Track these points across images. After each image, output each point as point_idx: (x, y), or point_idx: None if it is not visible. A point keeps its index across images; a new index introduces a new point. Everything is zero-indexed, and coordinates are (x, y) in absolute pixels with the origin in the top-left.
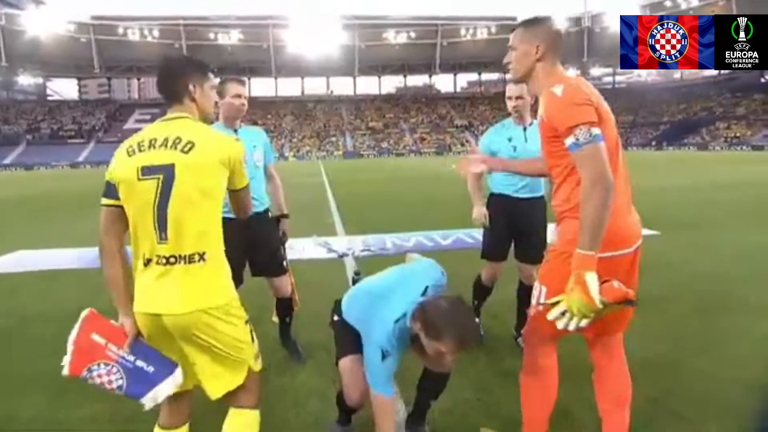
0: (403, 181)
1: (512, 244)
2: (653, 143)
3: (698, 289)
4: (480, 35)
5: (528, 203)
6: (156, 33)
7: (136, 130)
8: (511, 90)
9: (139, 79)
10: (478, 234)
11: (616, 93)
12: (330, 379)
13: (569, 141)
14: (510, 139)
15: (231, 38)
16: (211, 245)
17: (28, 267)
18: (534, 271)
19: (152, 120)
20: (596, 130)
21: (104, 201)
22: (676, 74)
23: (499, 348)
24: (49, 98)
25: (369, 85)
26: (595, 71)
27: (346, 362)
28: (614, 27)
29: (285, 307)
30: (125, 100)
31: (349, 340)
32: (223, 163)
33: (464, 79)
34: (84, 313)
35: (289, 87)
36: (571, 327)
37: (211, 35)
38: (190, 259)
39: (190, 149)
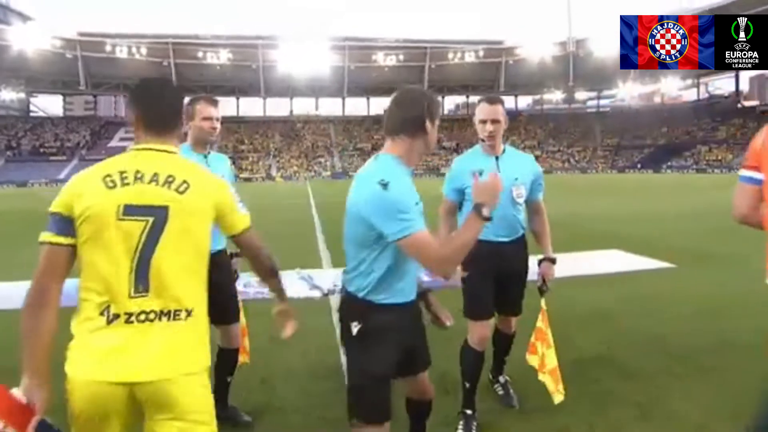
0: None
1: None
2: (638, 165)
3: (745, 336)
4: (468, 58)
5: (511, 246)
6: (144, 51)
7: (121, 148)
8: (485, 111)
9: (125, 97)
10: None
11: (601, 116)
12: None
13: None
14: (481, 173)
15: (220, 58)
16: (198, 301)
17: None
18: (514, 322)
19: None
20: (744, 173)
21: (49, 238)
22: (657, 98)
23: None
24: (32, 114)
25: (357, 107)
26: (580, 95)
27: None
28: (598, 52)
29: (233, 360)
30: (111, 118)
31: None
32: (215, 208)
33: (452, 101)
34: None
35: (277, 107)
36: None
37: (200, 54)
38: (174, 316)
39: (185, 190)
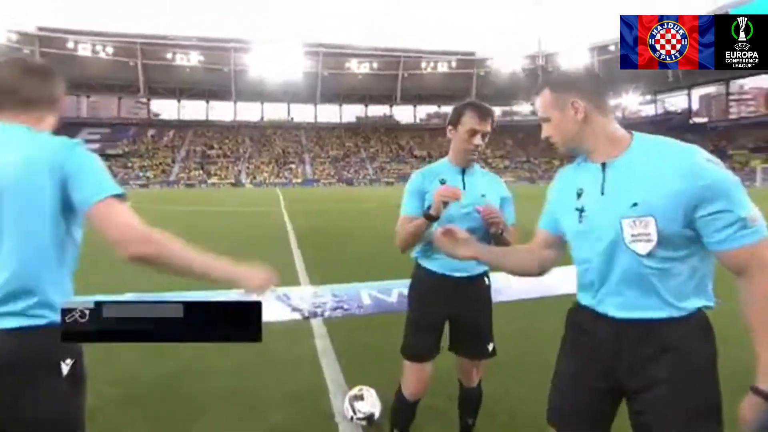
0: (374, 212)
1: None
2: None
3: None
4: (441, 69)
5: (632, 329)
6: (110, 50)
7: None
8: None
9: (88, 97)
10: None
11: None
12: None
13: None
14: (579, 194)
15: (190, 60)
16: None
17: None
18: None
19: (102, 140)
20: None
21: None
22: (618, 113)
23: None
24: None
25: (330, 114)
26: None
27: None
28: (565, 66)
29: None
30: (73, 118)
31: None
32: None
33: (423, 111)
34: None
35: (248, 112)
36: None
37: (169, 55)
38: None
39: None
